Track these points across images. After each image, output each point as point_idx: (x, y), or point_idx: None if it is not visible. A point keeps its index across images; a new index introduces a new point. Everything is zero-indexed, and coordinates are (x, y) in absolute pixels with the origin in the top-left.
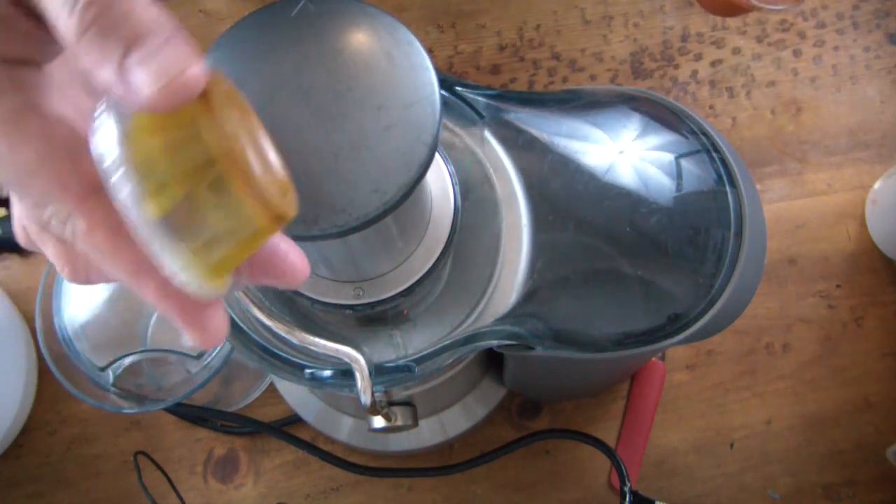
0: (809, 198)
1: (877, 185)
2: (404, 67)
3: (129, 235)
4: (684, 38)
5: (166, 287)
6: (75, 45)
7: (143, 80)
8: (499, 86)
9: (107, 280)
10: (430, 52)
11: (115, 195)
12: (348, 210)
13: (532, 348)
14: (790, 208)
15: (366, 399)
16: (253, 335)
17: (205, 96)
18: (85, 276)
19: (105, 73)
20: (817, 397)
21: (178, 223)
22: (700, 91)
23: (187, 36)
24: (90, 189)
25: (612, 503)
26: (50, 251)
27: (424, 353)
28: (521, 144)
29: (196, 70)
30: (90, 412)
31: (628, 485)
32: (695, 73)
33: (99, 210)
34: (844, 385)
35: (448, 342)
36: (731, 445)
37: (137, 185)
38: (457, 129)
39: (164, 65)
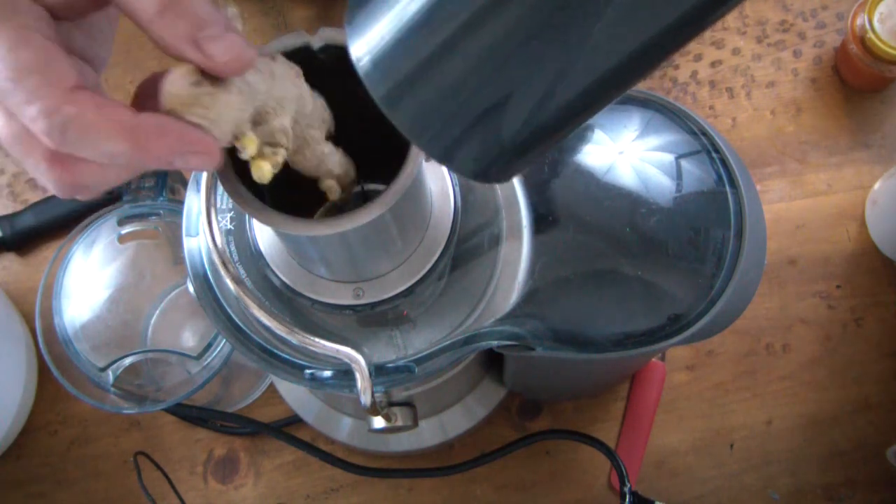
0: (809, 198)
1: (877, 186)
2: None
3: (112, 106)
4: None
5: (161, 134)
6: (153, 23)
7: (218, 51)
8: None
9: (92, 180)
10: None
11: None
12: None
13: (532, 349)
14: (790, 209)
15: (366, 399)
16: (253, 335)
17: None
18: (71, 178)
19: (182, 45)
20: (817, 397)
21: None
22: (700, 91)
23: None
24: (75, 87)
25: (612, 503)
26: (36, 160)
27: (424, 353)
28: None
29: (251, 52)
30: (90, 412)
31: (628, 485)
32: (695, 73)
33: (83, 97)
34: (844, 385)
35: (448, 343)
36: (731, 446)
37: None
38: None
39: (228, 43)
